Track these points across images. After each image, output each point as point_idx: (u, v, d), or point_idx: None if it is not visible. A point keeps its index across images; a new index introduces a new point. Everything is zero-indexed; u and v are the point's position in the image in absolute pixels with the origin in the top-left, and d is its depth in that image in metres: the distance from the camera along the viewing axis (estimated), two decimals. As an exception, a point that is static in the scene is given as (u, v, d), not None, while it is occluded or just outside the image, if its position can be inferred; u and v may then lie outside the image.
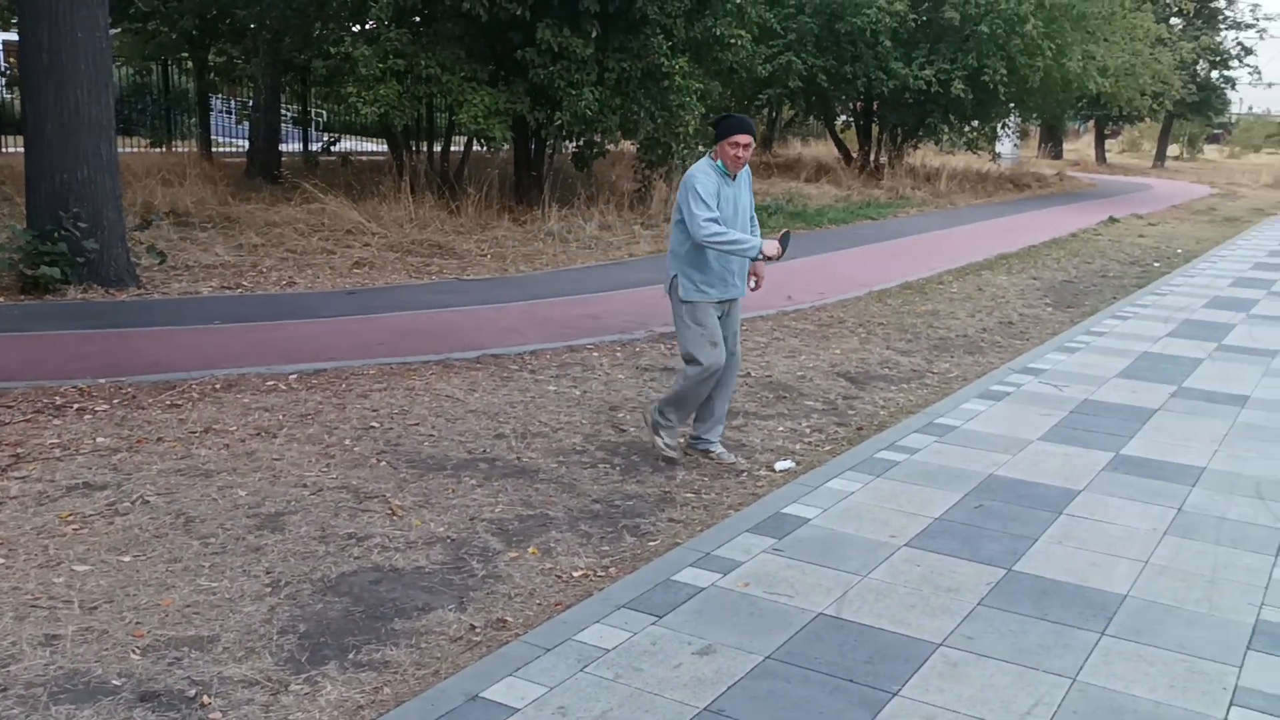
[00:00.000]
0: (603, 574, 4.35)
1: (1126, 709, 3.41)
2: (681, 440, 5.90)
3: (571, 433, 6.17)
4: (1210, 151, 59.55)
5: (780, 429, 6.44)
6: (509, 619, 3.93)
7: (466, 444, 5.87)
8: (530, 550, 4.53)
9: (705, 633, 3.81)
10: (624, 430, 6.26)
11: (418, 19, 15.56)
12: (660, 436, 5.70)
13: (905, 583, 4.28)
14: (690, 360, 5.57)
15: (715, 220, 5.33)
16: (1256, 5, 55.26)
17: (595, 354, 8.07)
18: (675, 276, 5.57)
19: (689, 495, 5.30)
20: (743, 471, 5.67)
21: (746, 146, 5.43)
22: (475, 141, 16.04)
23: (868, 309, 10.39)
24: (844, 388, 7.45)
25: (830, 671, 3.57)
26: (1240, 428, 6.68)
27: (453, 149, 18.47)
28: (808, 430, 6.44)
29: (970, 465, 5.74)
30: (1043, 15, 22.87)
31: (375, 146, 23.07)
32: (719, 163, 5.47)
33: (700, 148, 17.22)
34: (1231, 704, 3.46)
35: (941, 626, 3.92)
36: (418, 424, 6.17)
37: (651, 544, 4.67)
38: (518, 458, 5.69)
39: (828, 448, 6.10)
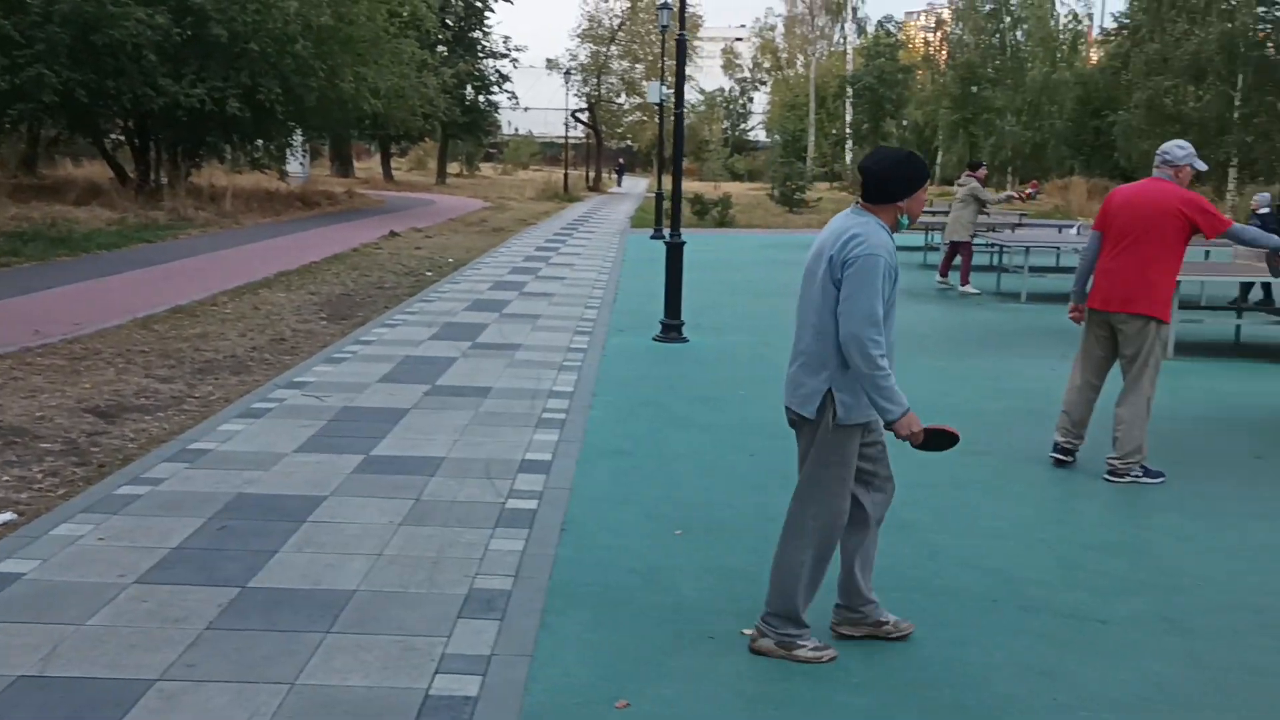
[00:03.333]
0: None
1: (339, 701, 3.53)
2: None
3: None
4: (486, 169, 65.59)
5: (5, 479, 5.75)
6: None
7: None
8: None
9: None
10: None
11: None
12: (803, 649, 3.93)
13: (128, 623, 4.03)
14: (807, 501, 3.92)
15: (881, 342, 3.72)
16: (508, 37, 61.80)
17: None
18: (829, 395, 3.82)
19: (-128, 572, 4.50)
20: (-50, 533, 4.96)
21: None
22: None
23: (130, 336, 9.76)
24: (91, 424, 6.88)
25: (25, 739, 3.23)
26: (481, 416, 7.34)
27: None
28: (40, 475, 5.83)
29: (220, 487, 5.61)
30: (312, 36, 23.37)
31: None
32: (904, 220, 3.92)
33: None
34: (437, 672, 3.74)
35: (162, 660, 3.74)
36: None
37: None
38: None
39: (61, 491, 5.58)
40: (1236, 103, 33.94)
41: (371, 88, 26.02)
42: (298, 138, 31.58)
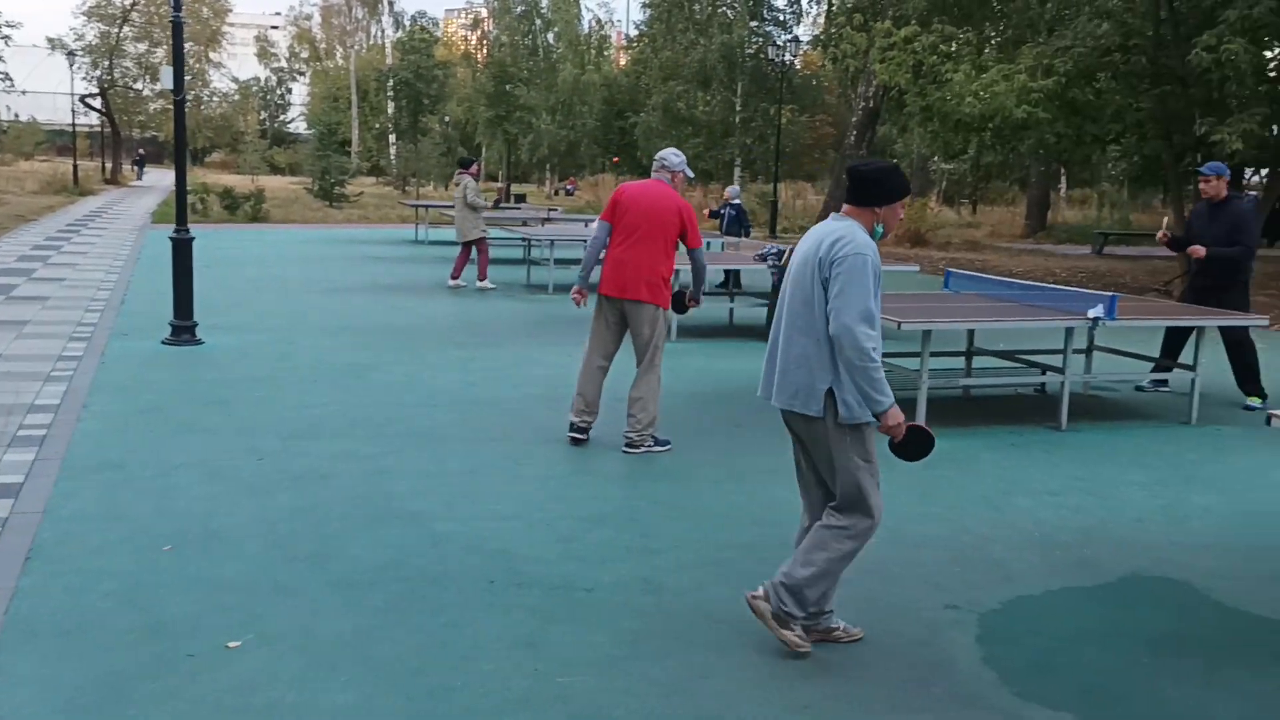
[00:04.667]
0: None
1: None
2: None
3: None
4: None
5: None
6: None
7: None
8: None
9: None
10: None
11: None
12: (792, 631, 4.06)
13: None
14: (854, 508, 4.01)
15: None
16: None
17: None
18: (830, 394, 3.92)
19: None
20: None
21: None
22: None
23: None
24: None
25: None
26: (-61, 438, 6.44)
27: None
28: None
29: None
30: None
31: None
32: (879, 229, 4.04)
33: None
34: None
35: None
36: None
37: None
38: None
39: None
40: (738, 108, 37.73)
41: None
42: None
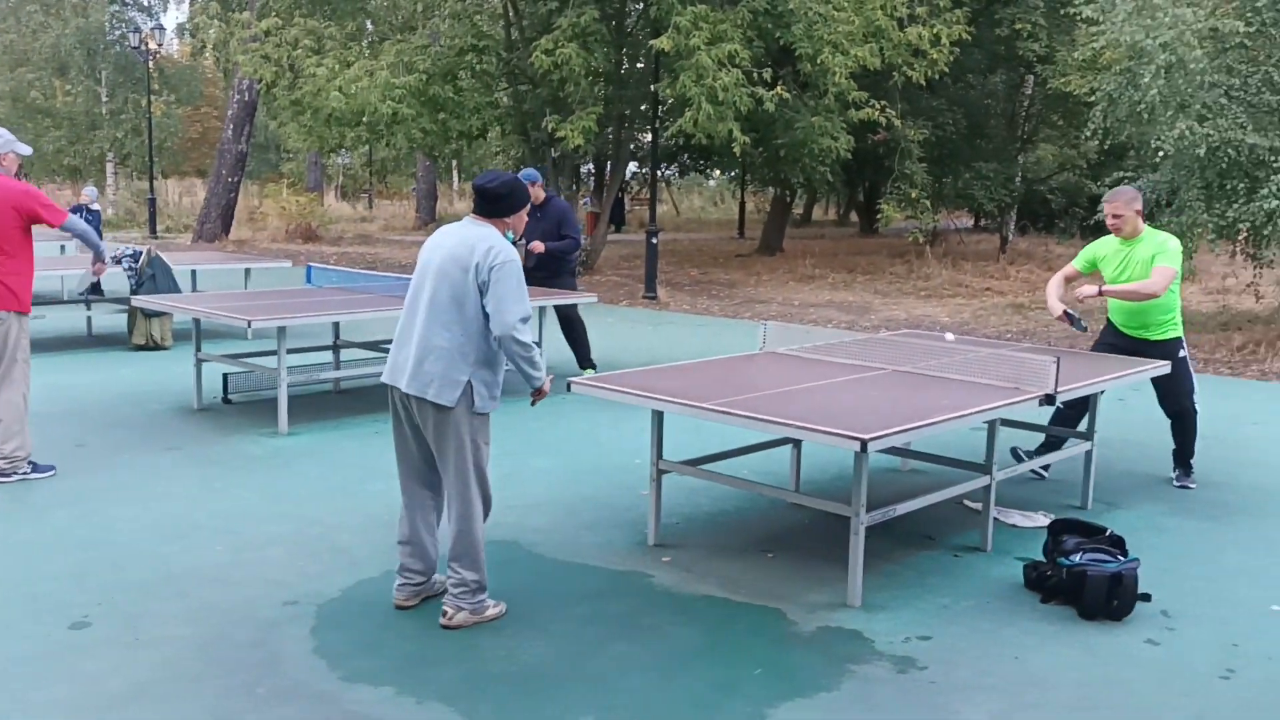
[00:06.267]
0: None
1: None
2: None
3: None
4: None
5: None
6: None
7: None
8: None
9: None
10: None
11: None
12: (490, 609, 4.49)
13: None
14: (468, 489, 4.40)
15: None
16: None
17: None
18: (469, 385, 4.31)
19: None
20: None
21: None
22: None
23: None
24: None
25: None
26: None
27: None
28: None
29: None
30: None
31: None
32: (510, 235, 4.49)
33: None
34: None
35: None
36: None
37: None
38: None
39: None
40: (104, 98, 34.63)
41: None
42: None
